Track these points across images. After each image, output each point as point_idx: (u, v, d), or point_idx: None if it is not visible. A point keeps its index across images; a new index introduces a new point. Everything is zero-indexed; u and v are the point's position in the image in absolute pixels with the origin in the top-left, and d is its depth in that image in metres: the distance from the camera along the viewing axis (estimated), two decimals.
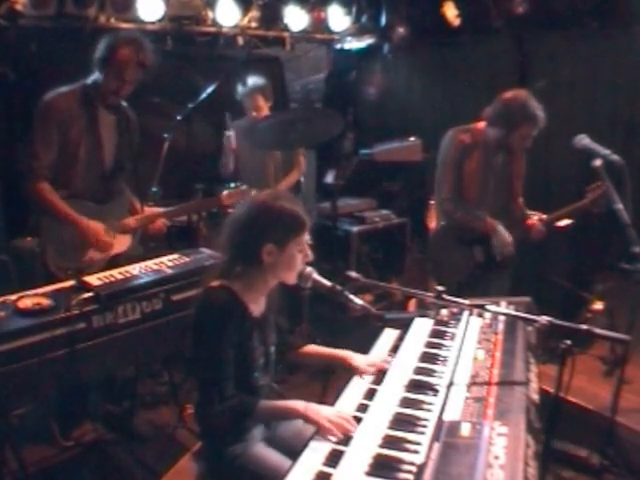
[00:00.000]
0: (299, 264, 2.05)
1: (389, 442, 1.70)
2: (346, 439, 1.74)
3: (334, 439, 1.74)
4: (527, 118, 3.18)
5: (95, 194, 3.05)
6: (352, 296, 2.11)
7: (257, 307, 2.08)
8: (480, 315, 2.41)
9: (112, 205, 3.11)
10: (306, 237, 2.05)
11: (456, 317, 2.45)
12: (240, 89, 4.22)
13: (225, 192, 3.37)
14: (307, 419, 1.85)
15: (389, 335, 2.41)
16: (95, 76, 2.95)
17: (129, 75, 2.91)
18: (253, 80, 4.22)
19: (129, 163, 3.14)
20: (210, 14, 4.57)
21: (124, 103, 3.10)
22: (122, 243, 3.13)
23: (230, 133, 3.98)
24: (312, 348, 2.33)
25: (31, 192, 2.93)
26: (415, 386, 1.99)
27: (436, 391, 1.94)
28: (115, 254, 3.11)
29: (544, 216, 3.39)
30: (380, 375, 2.10)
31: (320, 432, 1.78)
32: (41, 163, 2.90)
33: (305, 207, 2.10)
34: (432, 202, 3.78)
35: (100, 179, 3.05)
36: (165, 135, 3.68)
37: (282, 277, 2.07)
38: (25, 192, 2.96)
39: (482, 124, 3.37)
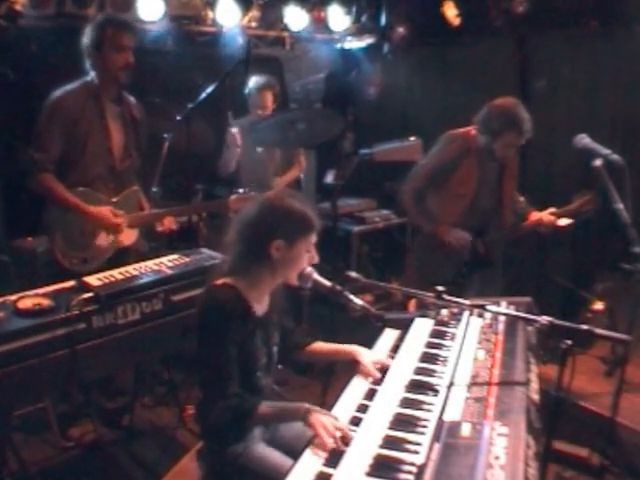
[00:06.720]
0: (304, 264, 2.06)
1: (389, 442, 1.70)
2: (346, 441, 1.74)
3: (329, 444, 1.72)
4: (510, 127, 3.16)
5: (104, 186, 3.07)
6: (352, 296, 2.11)
7: (260, 306, 2.08)
8: (480, 315, 2.41)
9: (120, 199, 3.13)
10: (314, 239, 2.06)
11: (456, 317, 2.45)
12: (251, 84, 4.17)
13: (233, 196, 3.38)
14: (307, 423, 1.83)
15: (389, 335, 2.41)
16: (94, 68, 3.00)
17: (126, 40, 2.97)
18: (264, 77, 4.20)
19: (137, 153, 3.18)
20: (210, 14, 4.57)
21: (131, 98, 3.17)
22: (129, 236, 3.18)
23: (235, 130, 3.96)
24: (319, 345, 2.33)
25: (35, 183, 2.96)
26: (415, 386, 1.99)
27: (436, 391, 1.94)
28: (123, 247, 3.15)
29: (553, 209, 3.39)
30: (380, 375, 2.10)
31: (316, 438, 1.76)
32: (45, 156, 2.94)
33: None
34: None
35: (110, 170, 3.08)
36: (165, 135, 3.67)
37: (287, 275, 2.07)
38: (29, 185, 2.98)
39: (474, 129, 3.36)
